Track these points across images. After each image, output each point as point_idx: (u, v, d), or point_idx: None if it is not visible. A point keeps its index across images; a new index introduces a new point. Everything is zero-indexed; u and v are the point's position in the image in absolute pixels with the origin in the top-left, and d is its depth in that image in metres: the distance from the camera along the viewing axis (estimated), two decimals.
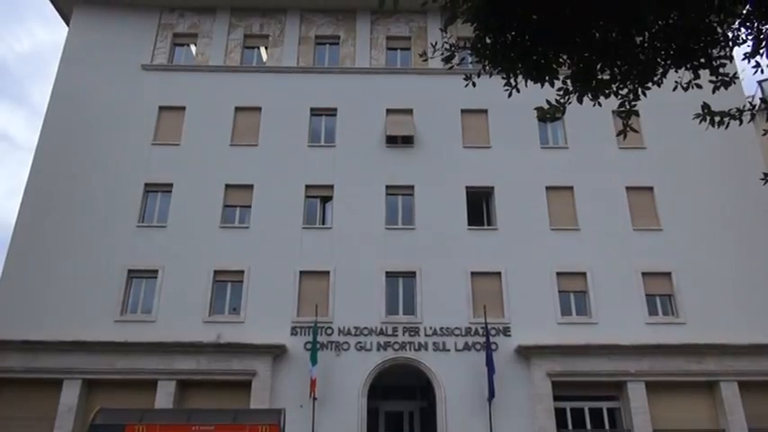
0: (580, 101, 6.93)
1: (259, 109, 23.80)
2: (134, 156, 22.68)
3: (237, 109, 23.81)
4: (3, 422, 18.35)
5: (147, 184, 22.32)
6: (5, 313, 19.78)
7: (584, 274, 21.06)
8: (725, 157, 22.88)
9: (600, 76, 6.58)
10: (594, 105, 7.22)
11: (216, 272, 20.97)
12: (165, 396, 18.73)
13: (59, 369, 18.85)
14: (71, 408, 18.49)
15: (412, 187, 22.55)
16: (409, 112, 23.77)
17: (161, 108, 23.68)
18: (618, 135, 7.48)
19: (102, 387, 19.06)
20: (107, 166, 22.40)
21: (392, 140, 23.20)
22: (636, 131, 7.54)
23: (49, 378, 18.81)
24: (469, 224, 21.97)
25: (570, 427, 19.36)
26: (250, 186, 22.36)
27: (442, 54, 6.82)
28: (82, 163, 22.42)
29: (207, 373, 19.31)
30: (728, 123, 7.09)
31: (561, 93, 6.90)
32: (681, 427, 18.77)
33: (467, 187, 22.50)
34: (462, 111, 23.75)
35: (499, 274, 21.08)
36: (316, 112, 24.00)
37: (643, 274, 21.04)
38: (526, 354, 19.72)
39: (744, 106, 7.29)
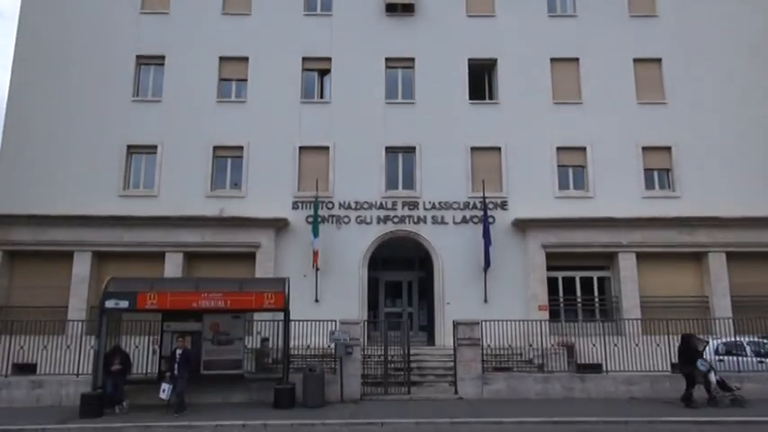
0: None
1: None
2: (122, 25, 21.67)
3: None
4: (22, 291, 19.27)
5: (138, 57, 21.57)
6: (8, 188, 20.00)
7: (584, 148, 21.03)
8: (739, 27, 21.87)
9: None
10: None
11: (215, 147, 20.93)
12: (173, 267, 19.49)
13: (68, 242, 19.45)
14: (84, 278, 19.32)
15: (412, 60, 21.82)
16: None
17: None
18: None
19: (112, 259, 19.77)
20: (95, 36, 21.49)
21: (392, 9, 22.04)
22: None
23: (59, 250, 19.44)
24: (471, 98, 21.55)
25: (561, 294, 20.33)
26: (245, 59, 21.63)
27: None
28: (68, 32, 21.45)
29: (212, 245, 19.93)
30: None
31: None
32: (667, 294, 19.68)
33: (469, 59, 21.76)
34: None
35: (499, 149, 21.03)
36: None
37: (643, 148, 21.03)
38: (522, 226, 20.22)
39: None
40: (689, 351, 14.19)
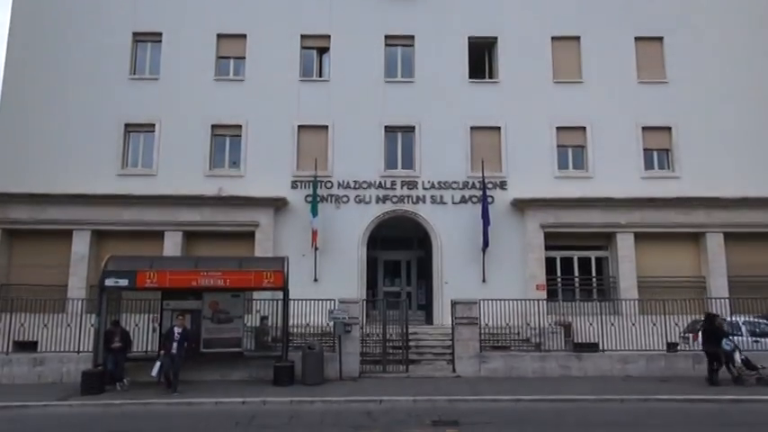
0: None
1: None
2: (118, 1, 21.40)
3: None
4: (22, 269, 19.32)
5: (135, 34, 21.36)
6: (6, 166, 19.92)
7: (583, 128, 20.95)
8: (742, 5, 21.67)
9: None
10: None
11: (213, 126, 20.83)
12: (172, 245, 19.52)
13: (67, 221, 19.47)
14: (83, 256, 19.37)
15: (412, 37, 21.60)
16: None
17: None
18: None
19: (112, 237, 19.80)
20: (91, 13, 21.23)
21: None
22: None
23: (58, 229, 19.46)
24: (470, 77, 21.39)
25: (559, 273, 20.41)
26: (243, 36, 21.41)
27: None
28: (64, 9, 21.19)
29: (211, 224, 19.94)
30: None
31: None
32: (664, 274, 19.75)
33: (469, 38, 21.55)
34: None
35: (499, 128, 20.94)
36: None
37: (643, 128, 20.96)
38: (521, 206, 20.23)
39: None
40: (713, 331, 14.23)
